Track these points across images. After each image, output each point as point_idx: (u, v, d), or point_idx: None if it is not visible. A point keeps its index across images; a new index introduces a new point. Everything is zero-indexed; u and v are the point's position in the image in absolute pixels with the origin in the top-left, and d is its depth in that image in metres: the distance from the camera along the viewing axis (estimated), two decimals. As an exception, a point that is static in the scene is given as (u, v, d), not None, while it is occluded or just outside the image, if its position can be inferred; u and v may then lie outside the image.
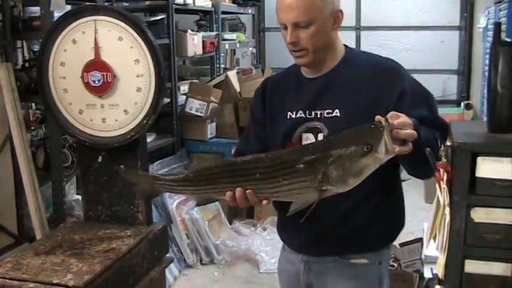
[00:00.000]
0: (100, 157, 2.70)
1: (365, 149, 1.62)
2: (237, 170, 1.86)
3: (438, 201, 1.47)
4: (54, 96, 2.61)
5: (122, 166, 2.66)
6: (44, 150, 3.45)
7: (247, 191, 1.83)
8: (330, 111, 2.09)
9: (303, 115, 2.14)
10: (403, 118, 1.66)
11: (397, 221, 2.23)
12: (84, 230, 2.66)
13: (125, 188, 2.68)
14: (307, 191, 1.75)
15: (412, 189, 3.15)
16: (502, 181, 1.33)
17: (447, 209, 1.38)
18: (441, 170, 1.42)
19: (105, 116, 2.58)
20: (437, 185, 1.46)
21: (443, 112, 6.84)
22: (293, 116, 2.16)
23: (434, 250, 2.14)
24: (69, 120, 2.63)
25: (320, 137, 2.09)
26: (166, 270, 3.26)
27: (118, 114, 2.56)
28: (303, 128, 2.14)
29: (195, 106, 5.52)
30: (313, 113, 2.12)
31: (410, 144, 1.66)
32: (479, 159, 1.34)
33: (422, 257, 3.23)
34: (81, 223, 2.81)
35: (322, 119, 2.10)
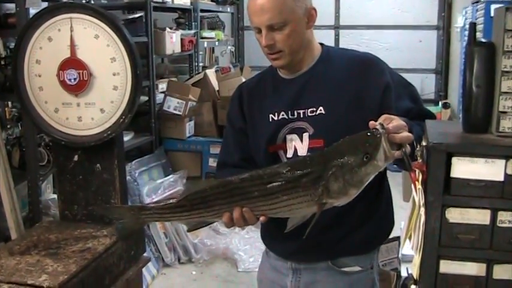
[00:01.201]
0: (76, 156, 2.67)
1: (364, 159, 1.60)
2: (234, 189, 1.79)
3: (414, 201, 1.47)
4: (29, 95, 2.58)
5: (98, 165, 2.64)
6: (19, 149, 3.41)
7: (244, 209, 1.77)
8: (314, 109, 2.05)
9: (285, 116, 2.09)
10: (397, 121, 1.65)
11: (388, 220, 2.21)
12: (59, 230, 2.64)
13: (101, 187, 2.66)
14: (307, 205, 1.70)
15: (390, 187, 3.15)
16: (476, 181, 1.34)
17: (422, 210, 1.39)
18: (416, 170, 1.42)
19: (81, 115, 2.55)
20: (412, 186, 1.46)
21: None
22: (275, 118, 2.10)
23: (410, 249, 2.15)
24: (44, 119, 2.60)
25: (305, 137, 2.05)
26: (144, 269, 3.25)
27: (94, 113, 2.54)
28: (287, 129, 2.09)
29: (173, 104, 5.50)
30: (295, 112, 2.08)
31: (408, 146, 1.64)
32: (454, 160, 1.35)
33: (400, 255, 3.25)
34: (57, 222, 2.78)
35: (306, 118, 2.06)
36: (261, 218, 1.79)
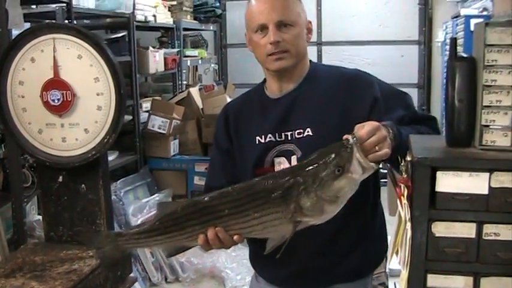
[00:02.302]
0: (61, 177, 2.66)
1: (336, 172, 1.55)
2: (203, 208, 1.73)
3: (400, 216, 1.47)
4: (12, 116, 2.57)
5: (83, 185, 2.63)
6: (3, 170, 3.39)
7: (217, 229, 1.70)
8: (301, 130, 2.01)
9: (272, 138, 2.05)
10: (369, 125, 1.62)
11: (383, 240, 2.21)
12: (45, 252, 2.62)
13: (86, 207, 2.65)
14: (280, 223, 1.62)
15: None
16: (461, 195, 1.34)
17: (408, 224, 1.39)
18: (402, 185, 1.43)
19: (65, 135, 2.54)
20: (398, 201, 1.47)
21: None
22: (262, 141, 2.06)
23: (397, 264, 2.15)
24: (28, 140, 2.59)
25: (293, 160, 2.00)
26: (131, 290, 3.23)
27: (78, 133, 2.53)
28: (275, 152, 2.04)
29: (157, 123, 5.49)
30: (283, 134, 2.03)
31: (387, 150, 1.64)
32: (439, 174, 1.35)
33: (387, 270, 3.24)
34: (42, 244, 2.76)
35: (294, 140, 2.02)
36: (235, 237, 1.71)
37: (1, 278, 2.37)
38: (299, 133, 2.01)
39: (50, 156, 2.59)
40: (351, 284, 2.09)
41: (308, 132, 2.00)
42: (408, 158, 1.45)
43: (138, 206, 4.96)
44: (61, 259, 2.53)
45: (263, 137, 2.06)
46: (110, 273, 2.55)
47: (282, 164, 2.03)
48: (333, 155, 1.57)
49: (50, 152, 2.59)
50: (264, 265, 2.17)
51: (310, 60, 2.15)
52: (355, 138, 1.58)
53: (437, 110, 6.82)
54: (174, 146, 5.66)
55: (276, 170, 2.01)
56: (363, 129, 1.62)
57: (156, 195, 5.26)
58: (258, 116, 2.11)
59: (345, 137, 1.61)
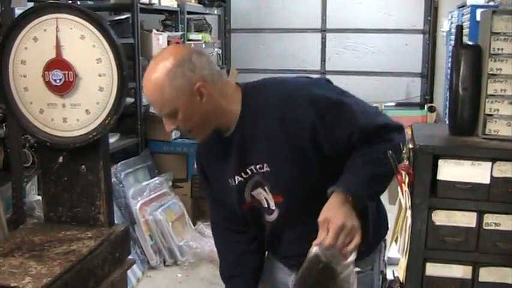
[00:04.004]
0: (61, 157, 2.65)
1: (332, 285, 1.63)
2: None
3: (400, 204, 1.47)
4: (14, 95, 2.56)
5: (83, 166, 2.62)
6: (3, 150, 3.38)
7: None
8: (260, 165, 2.04)
9: (241, 178, 2.08)
10: (332, 229, 1.66)
11: (384, 218, 2.14)
12: (44, 232, 2.61)
13: (86, 189, 2.64)
14: None
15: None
16: (462, 184, 1.34)
17: (409, 212, 1.39)
18: (403, 172, 1.42)
19: (67, 116, 2.53)
20: (398, 188, 1.46)
21: (407, 115, 6.89)
22: (234, 183, 2.10)
23: (396, 252, 2.15)
24: (29, 120, 2.58)
25: (267, 189, 2.06)
26: (129, 271, 3.23)
27: (79, 114, 2.52)
28: (250, 187, 2.09)
29: (159, 106, 5.47)
30: (248, 170, 2.06)
31: (357, 239, 1.67)
32: (441, 162, 1.34)
33: (386, 258, 3.24)
34: (41, 224, 2.75)
35: (259, 174, 2.05)
36: None
37: (0, 257, 2.36)
38: (260, 167, 2.04)
39: (50, 137, 2.58)
40: (356, 264, 2.10)
41: (266, 167, 2.02)
42: (410, 146, 1.44)
43: (138, 188, 4.96)
44: (60, 240, 2.53)
45: (233, 179, 2.10)
46: (109, 255, 2.55)
47: (261, 193, 2.08)
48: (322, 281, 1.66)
49: (50, 132, 2.58)
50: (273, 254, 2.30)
51: (243, 89, 2.09)
52: (324, 251, 1.65)
53: (440, 99, 6.80)
54: (175, 129, 5.64)
55: (259, 200, 2.10)
56: (328, 236, 1.67)
57: (157, 178, 5.25)
58: (221, 158, 2.12)
59: (313, 251, 1.68)
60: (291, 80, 2.14)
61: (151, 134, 5.62)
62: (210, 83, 1.95)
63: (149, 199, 4.97)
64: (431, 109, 6.97)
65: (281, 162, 1.98)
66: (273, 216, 2.10)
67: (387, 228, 2.16)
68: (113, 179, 4.62)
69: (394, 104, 7.69)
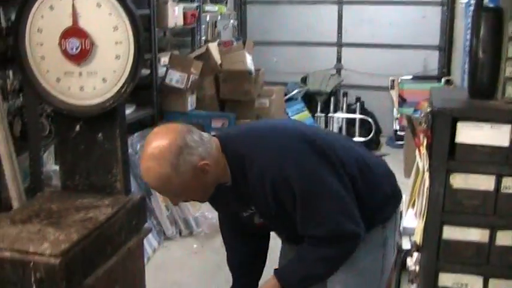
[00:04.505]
0: (78, 126, 2.66)
1: None
2: None
3: (417, 168, 1.46)
4: (31, 64, 2.56)
5: (100, 135, 2.63)
6: (20, 119, 3.40)
7: None
8: (253, 212, 2.36)
9: (249, 212, 2.37)
10: None
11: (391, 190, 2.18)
12: (61, 200, 2.63)
13: (102, 157, 2.65)
14: None
15: (390, 164, 3.14)
16: (481, 147, 1.32)
17: (426, 174, 1.38)
18: (421, 135, 1.41)
19: (83, 84, 2.53)
20: (416, 151, 1.45)
21: (424, 88, 6.86)
22: (243, 215, 2.40)
23: (411, 221, 2.15)
24: (46, 89, 2.58)
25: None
26: (146, 242, 3.25)
27: (96, 82, 2.52)
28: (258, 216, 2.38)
29: (175, 78, 5.47)
30: (251, 209, 2.35)
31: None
32: (459, 125, 1.33)
33: (401, 229, 3.24)
34: (59, 193, 2.77)
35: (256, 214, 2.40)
36: None
37: (18, 223, 2.38)
38: (253, 212, 2.35)
39: (67, 105, 2.58)
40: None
41: (252, 209, 2.34)
42: (428, 109, 1.43)
43: (154, 159, 4.97)
44: (77, 207, 2.54)
45: (241, 213, 2.39)
46: (125, 222, 2.56)
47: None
48: None
49: (67, 101, 2.58)
50: None
51: (224, 152, 2.24)
52: None
53: (457, 73, 6.75)
54: (191, 101, 5.65)
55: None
56: None
57: (173, 149, 5.26)
58: (225, 199, 2.38)
59: None
60: (268, 147, 2.23)
61: (167, 105, 5.63)
62: (207, 157, 2.13)
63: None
64: (448, 82, 6.93)
65: (271, 214, 2.25)
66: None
67: (400, 198, 2.17)
68: (129, 150, 4.63)
69: (411, 77, 7.64)
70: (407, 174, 2.16)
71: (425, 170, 1.38)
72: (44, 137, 3.38)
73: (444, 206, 1.37)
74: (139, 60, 2.47)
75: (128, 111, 4.81)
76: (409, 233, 2.38)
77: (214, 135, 2.30)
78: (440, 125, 1.35)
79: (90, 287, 2.30)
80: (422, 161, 1.42)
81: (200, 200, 2.36)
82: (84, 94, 2.55)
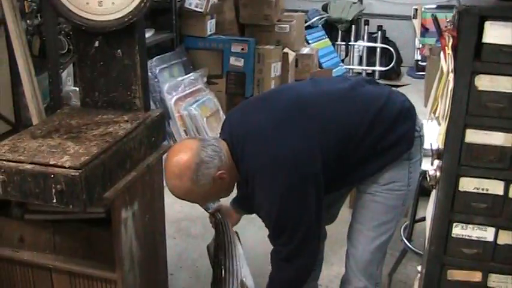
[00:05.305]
0: (97, 42, 2.63)
1: None
2: None
3: (441, 70, 1.43)
4: (49, -21, 2.52)
5: (119, 51, 2.61)
6: (39, 37, 3.38)
7: None
8: None
9: None
10: None
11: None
12: (80, 116, 2.64)
13: (122, 73, 2.64)
14: None
15: (411, 93, 3.13)
16: (509, 47, 1.28)
17: (451, 75, 1.34)
18: (446, 35, 1.36)
19: (102, -1, 2.50)
20: (441, 53, 1.41)
21: (448, 17, 6.74)
22: None
23: (430, 142, 2.13)
24: (64, 4, 2.54)
25: None
26: (164, 164, 3.24)
27: (115, -3, 2.48)
28: None
29: (194, 1, 5.40)
30: None
31: None
32: (487, 24, 1.28)
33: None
34: (78, 109, 2.78)
35: None
36: None
37: (38, 138, 2.40)
38: None
39: (86, 21, 2.55)
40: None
41: None
42: (455, 9, 1.38)
43: (173, 84, 4.96)
44: (96, 123, 2.55)
45: None
46: (145, 138, 2.57)
47: None
48: None
49: (86, 16, 2.55)
50: None
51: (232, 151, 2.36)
52: None
53: None
54: (210, 25, 5.58)
55: None
56: None
57: (191, 74, 5.24)
58: None
59: None
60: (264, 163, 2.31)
61: (187, 29, 5.57)
62: (222, 166, 2.29)
63: (184, 95, 4.99)
64: None
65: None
66: None
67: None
68: (148, 74, 4.62)
69: (435, 6, 7.49)
70: (426, 103, 2.13)
71: (450, 70, 1.35)
72: (62, 55, 3.37)
73: (468, 109, 1.34)
74: (158, -28, 2.42)
75: (147, 35, 4.77)
76: (427, 154, 2.38)
77: (221, 139, 2.41)
78: (467, 24, 1.30)
79: (110, 201, 2.32)
80: (447, 62, 1.38)
81: (225, 196, 2.56)
82: (102, 9, 2.51)
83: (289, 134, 2.26)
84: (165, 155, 2.51)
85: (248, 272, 2.67)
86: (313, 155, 2.26)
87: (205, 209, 2.77)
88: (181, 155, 2.28)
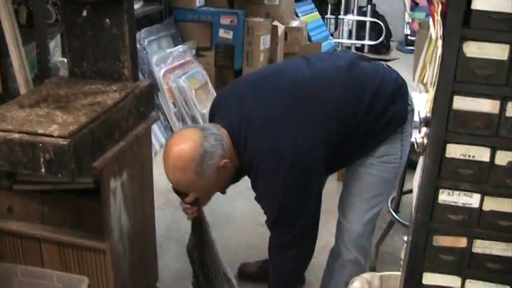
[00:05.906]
0: (85, 11, 2.62)
1: None
2: None
3: (430, 38, 1.44)
4: None
5: (107, 20, 2.59)
6: (26, 6, 3.33)
7: None
8: None
9: None
10: None
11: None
12: (69, 86, 2.63)
13: (110, 43, 2.63)
14: None
15: (400, 68, 3.14)
16: (498, 14, 1.28)
17: (439, 42, 1.35)
18: (436, 2, 1.37)
19: (89, -34, 2.48)
20: (430, 19, 1.42)
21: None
22: None
23: (418, 110, 2.14)
24: (51, -28, 2.53)
25: None
26: (153, 138, 3.25)
27: (102, -36, 2.46)
28: None
29: (183, -27, 5.36)
30: None
31: None
32: (476, -11, 1.29)
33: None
34: (66, 79, 2.77)
35: None
36: None
37: (26, 107, 2.39)
38: None
39: (73, -11, 2.54)
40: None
41: None
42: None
43: (162, 56, 4.94)
44: (85, 92, 2.54)
45: None
46: (133, 108, 2.56)
47: None
48: None
49: (73, -16, 2.53)
50: None
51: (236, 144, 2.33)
52: None
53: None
54: (200, -4, 5.55)
55: None
56: None
57: (180, 46, 5.22)
58: None
59: None
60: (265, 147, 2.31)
61: (175, 1, 5.54)
62: (225, 154, 2.26)
63: (172, 67, 4.97)
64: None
65: None
66: None
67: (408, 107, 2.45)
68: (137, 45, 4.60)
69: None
70: (416, 79, 2.15)
71: (439, 37, 1.36)
72: (50, 24, 3.33)
73: (456, 75, 1.34)
74: None
75: (136, 6, 4.73)
76: (416, 125, 2.41)
77: (222, 126, 2.35)
78: (456, -11, 1.30)
79: (98, 170, 2.32)
80: (435, 29, 1.38)
81: (225, 189, 2.55)
82: (90, -23, 2.49)
83: (293, 125, 2.26)
84: (163, 145, 2.53)
85: (224, 261, 2.73)
86: (315, 145, 2.26)
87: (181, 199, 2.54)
88: (183, 147, 2.22)
